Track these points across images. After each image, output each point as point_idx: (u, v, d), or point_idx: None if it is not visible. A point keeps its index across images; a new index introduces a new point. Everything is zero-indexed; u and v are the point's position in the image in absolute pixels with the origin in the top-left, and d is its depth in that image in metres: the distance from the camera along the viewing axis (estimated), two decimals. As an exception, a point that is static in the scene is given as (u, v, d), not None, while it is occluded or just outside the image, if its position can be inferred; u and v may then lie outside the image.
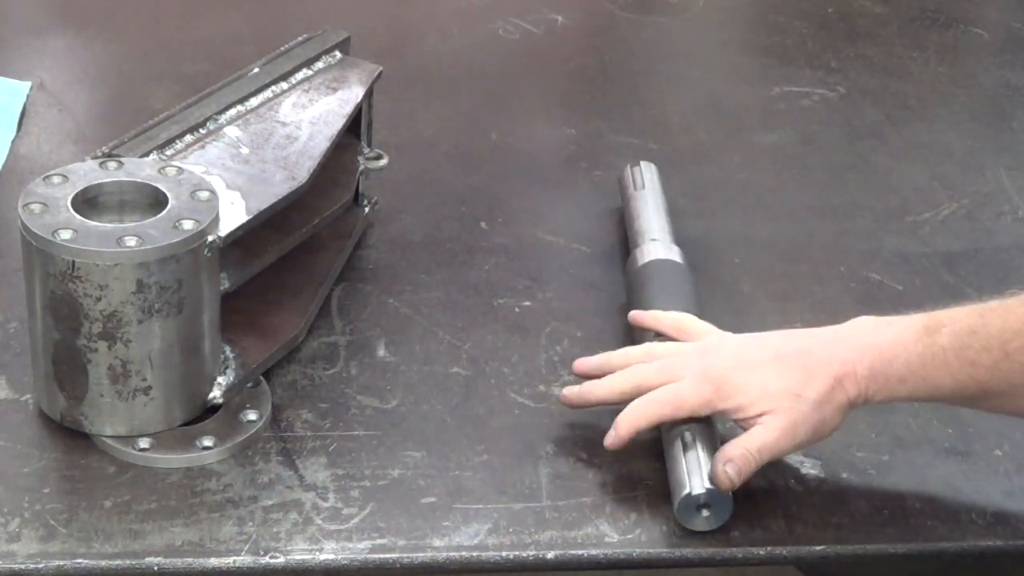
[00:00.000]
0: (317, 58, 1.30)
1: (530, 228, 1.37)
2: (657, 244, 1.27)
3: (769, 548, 1.04)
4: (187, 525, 1.01)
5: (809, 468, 1.11)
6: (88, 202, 1.06)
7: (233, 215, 1.09)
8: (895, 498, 1.09)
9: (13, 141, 1.43)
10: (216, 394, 1.09)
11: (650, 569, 1.05)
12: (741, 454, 1.03)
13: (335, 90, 1.27)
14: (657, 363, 1.10)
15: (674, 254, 1.25)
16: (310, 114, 1.23)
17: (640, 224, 1.31)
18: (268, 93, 1.25)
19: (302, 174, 1.16)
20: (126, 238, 1.01)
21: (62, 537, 1.00)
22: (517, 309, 1.26)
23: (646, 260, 1.24)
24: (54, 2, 1.77)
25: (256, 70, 1.26)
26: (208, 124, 1.19)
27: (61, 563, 0.98)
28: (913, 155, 1.54)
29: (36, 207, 1.04)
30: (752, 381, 1.05)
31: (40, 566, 0.98)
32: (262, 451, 1.08)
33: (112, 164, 1.09)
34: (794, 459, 1.11)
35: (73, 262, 1.01)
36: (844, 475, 1.11)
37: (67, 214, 1.03)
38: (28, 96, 1.51)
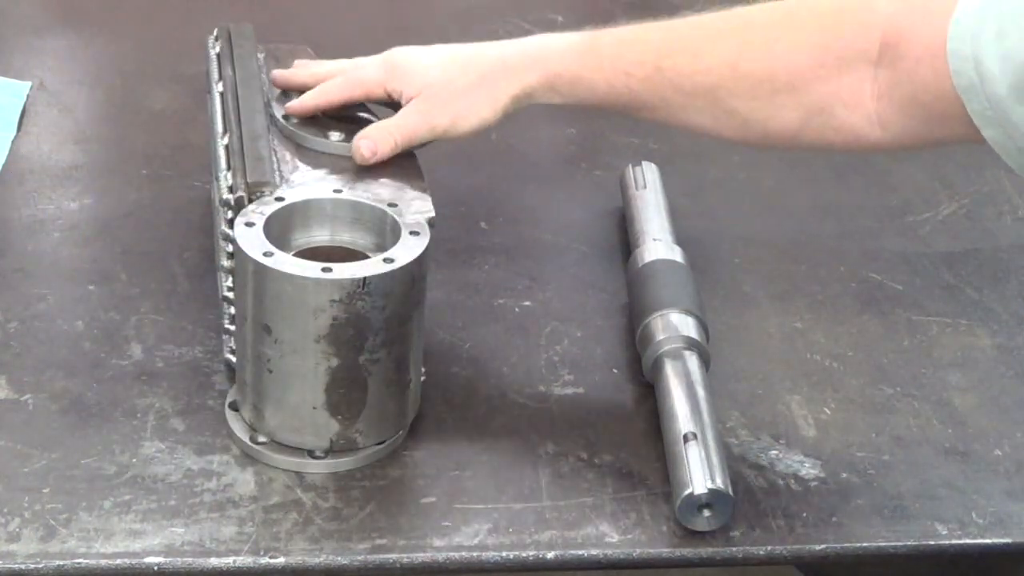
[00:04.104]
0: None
1: (530, 228, 1.37)
2: (659, 244, 1.27)
3: (769, 548, 1.04)
4: (187, 525, 1.01)
5: (809, 468, 1.11)
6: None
7: None
8: (895, 498, 1.09)
9: (13, 141, 1.43)
10: None
11: (650, 569, 1.05)
12: (378, 131, 1.16)
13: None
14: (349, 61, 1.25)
15: (676, 254, 1.25)
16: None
17: (642, 224, 1.31)
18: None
19: None
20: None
21: (62, 537, 1.00)
22: (517, 309, 1.26)
23: (648, 260, 1.24)
24: (54, 2, 1.77)
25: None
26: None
27: (61, 563, 0.98)
28: (913, 155, 1.54)
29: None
30: (417, 67, 1.19)
31: (40, 566, 0.98)
32: (262, 451, 1.08)
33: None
34: (794, 459, 1.11)
35: (364, 279, 1.01)
36: (844, 475, 1.11)
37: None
38: (28, 96, 1.51)
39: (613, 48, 1.16)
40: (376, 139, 1.16)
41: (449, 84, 1.18)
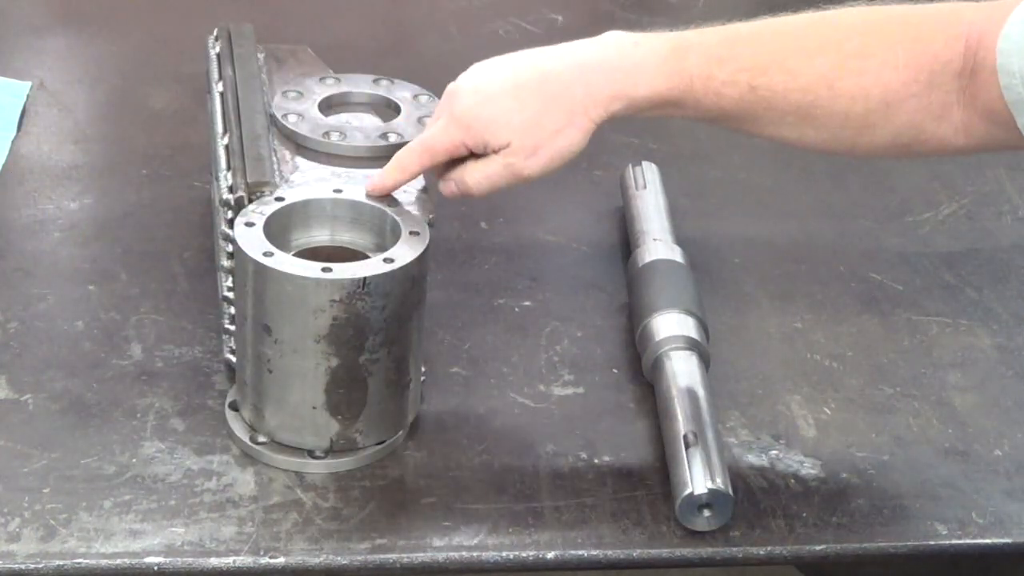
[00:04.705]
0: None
1: (530, 228, 1.37)
2: (659, 244, 1.27)
3: (769, 548, 1.04)
4: (187, 525, 1.01)
5: (809, 468, 1.11)
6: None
7: None
8: (895, 498, 1.09)
9: (13, 141, 1.43)
10: None
11: (650, 569, 1.05)
12: (474, 181, 1.13)
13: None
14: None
15: (676, 254, 1.25)
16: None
17: (642, 224, 1.31)
18: None
19: None
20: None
21: (62, 537, 1.00)
22: (517, 309, 1.26)
23: (648, 260, 1.24)
24: (54, 2, 1.77)
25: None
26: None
27: (61, 563, 0.98)
28: (913, 155, 1.54)
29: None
30: (495, 116, 1.11)
31: (40, 566, 0.98)
32: (262, 451, 1.08)
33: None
34: (794, 459, 1.11)
35: (364, 279, 1.01)
36: (844, 475, 1.11)
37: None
38: (28, 96, 1.51)
39: (702, 67, 1.11)
40: (462, 188, 1.14)
41: (534, 130, 1.12)
